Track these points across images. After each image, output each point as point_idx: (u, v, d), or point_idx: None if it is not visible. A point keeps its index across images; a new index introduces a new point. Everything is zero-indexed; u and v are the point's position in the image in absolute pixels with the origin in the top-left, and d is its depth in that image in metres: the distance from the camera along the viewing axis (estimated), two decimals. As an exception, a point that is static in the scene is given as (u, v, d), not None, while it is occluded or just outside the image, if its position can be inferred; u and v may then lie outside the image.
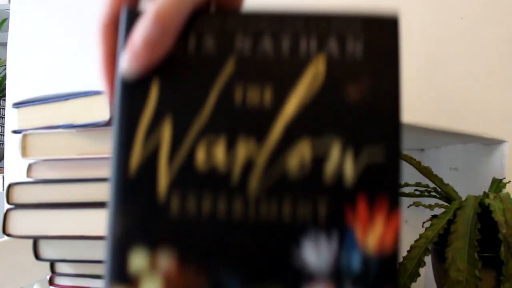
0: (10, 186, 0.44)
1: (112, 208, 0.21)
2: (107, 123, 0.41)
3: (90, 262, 0.45)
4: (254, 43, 0.22)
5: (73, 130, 0.43)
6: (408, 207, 0.77)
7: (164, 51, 0.21)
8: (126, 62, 0.21)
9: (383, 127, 0.22)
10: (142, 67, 0.21)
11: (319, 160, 0.21)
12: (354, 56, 0.22)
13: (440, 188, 0.70)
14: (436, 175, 0.71)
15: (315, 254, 0.21)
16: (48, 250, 0.45)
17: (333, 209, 0.21)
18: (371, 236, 0.21)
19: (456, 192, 0.67)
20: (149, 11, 0.20)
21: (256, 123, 0.22)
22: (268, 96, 0.22)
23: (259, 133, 0.21)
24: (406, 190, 0.74)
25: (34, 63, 1.09)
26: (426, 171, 0.71)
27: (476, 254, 0.48)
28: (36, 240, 0.45)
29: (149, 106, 0.22)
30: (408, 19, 0.96)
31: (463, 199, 0.60)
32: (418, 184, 0.72)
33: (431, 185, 0.71)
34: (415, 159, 0.73)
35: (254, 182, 0.21)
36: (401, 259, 0.60)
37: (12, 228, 0.44)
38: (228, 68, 0.22)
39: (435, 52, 0.77)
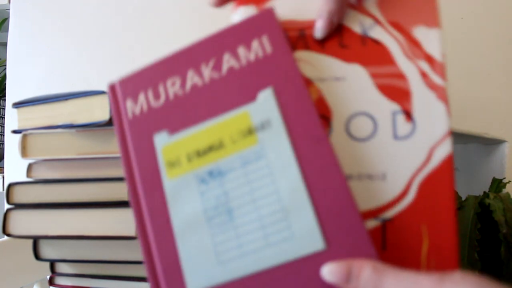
0: (10, 186, 0.44)
1: None
2: (107, 123, 0.41)
3: (90, 262, 0.45)
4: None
5: (73, 130, 0.43)
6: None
7: None
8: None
9: None
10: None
11: None
12: None
13: (440, 188, 0.69)
14: (436, 175, 0.71)
15: None
16: (48, 250, 0.45)
17: None
18: None
19: (456, 192, 0.67)
20: None
21: None
22: None
23: None
24: (406, 190, 0.74)
25: (34, 63, 1.09)
26: (426, 171, 0.71)
27: (476, 254, 0.48)
28: (36, 240, 0.45)
29: None
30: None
31: (463, 199, 0.60)
32: (418, 184, 0.72)
33: (431, 185, 0.71)
34: (415, 159, 0.73)
35: None
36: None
37: (12, 228, 0.44)
38: None
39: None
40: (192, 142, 0.28)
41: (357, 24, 0.30)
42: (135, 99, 0.30)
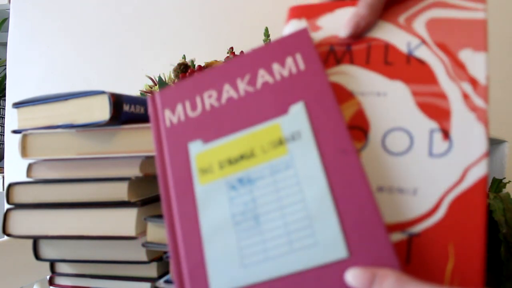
0: (10, 186, 0.44)
1: None
2: (107, 123, 0.41)
3: (90, 262, 0.45)
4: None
5: (73, 130, 0.43)
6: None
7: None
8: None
9: None
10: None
11: None
12: None
13: (440, 188, 0.69)
14: (436, 175, 0.71)
15: None
16: (48, 250, 0.45)
17: None
18: None
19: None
20: None
21: None
22: None
23: None
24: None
25: (34, 63, 1.09)
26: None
27: (476, 254, 0.48)
28: (36, 240, 0.45)
29: None
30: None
31: (463, 199, 0.60)
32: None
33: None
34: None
35: None
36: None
37: (12, 228, 0.44)
38: None
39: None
40: (224, 150, 0.29)
41: (403, 43, 0.31)
42: (173, 109, 0.31)
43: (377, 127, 0.29)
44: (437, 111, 0.29)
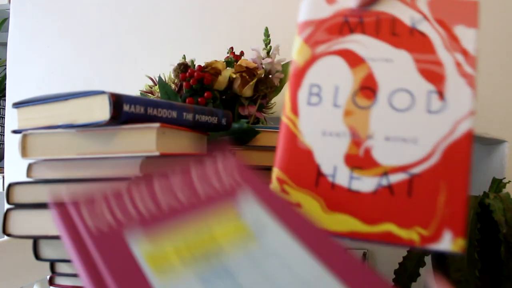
0: (10, 186, 0.44)
1: None
2: (107, 123, 0.41)
3: (90, 262, 0.45)
4: None
5: (73, 130, 0.43)
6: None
7: None
8: None
9: None
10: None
11: None
12: None
13: (440, 188, 0.69)
14: (436, 175, 0.71)
15: None
16: (48, 250, 0.45)
17: None
18: None
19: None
20: None
21: None
22: None
23: None
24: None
25: (34, 63, 1.09)
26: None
27: (476, 254, 0.48)
28: (36, 240, 0.45)
29: None
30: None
31: (463, 199, 0.60)
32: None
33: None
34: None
35: None
36: (401, 259, 0.60)
37: (12, 228, 0.44)
38: None
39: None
40: (181, 244, 0.26)
41: (408, 17, 0.36)
42: (98, 216, 0.27)
43: (385, 88, 0.35)
44: (434, 76, 0.35)
